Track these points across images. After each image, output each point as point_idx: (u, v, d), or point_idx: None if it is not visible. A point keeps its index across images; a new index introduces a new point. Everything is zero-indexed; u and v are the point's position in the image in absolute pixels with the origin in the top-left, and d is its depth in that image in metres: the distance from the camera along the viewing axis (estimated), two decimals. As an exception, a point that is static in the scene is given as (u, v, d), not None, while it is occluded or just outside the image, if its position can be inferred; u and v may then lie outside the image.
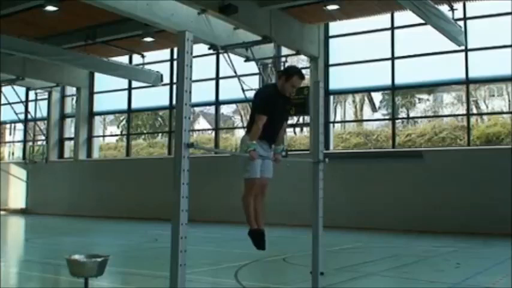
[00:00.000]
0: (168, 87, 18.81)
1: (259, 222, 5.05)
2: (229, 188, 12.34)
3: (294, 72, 5.09)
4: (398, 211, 14.12)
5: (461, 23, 13.60)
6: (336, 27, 16.15)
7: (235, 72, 15.65)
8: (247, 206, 4.98)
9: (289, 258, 8.68)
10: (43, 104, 21.86)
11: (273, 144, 5.10)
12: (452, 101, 18.95)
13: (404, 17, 14.49)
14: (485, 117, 17.63)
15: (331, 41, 16.28)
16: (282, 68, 16.14)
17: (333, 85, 16.23)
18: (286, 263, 8.39)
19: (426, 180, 13.95)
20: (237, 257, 8.67)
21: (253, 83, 16.27)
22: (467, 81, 14.48)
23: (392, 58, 15.28)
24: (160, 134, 23.77)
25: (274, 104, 4.95)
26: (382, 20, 15.17)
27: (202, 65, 16.80)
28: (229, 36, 14.72)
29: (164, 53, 18.89)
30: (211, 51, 15.64)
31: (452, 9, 13.22)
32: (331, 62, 16.23)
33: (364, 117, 21.19)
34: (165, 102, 19.15)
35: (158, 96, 19.06)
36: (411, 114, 19.41)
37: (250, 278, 7.17)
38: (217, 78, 17.97)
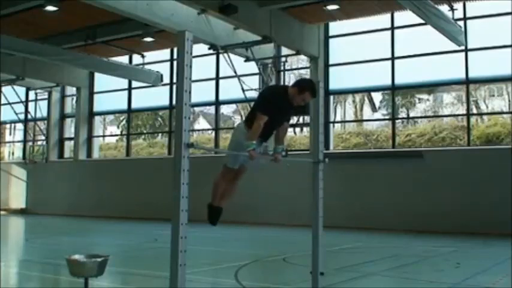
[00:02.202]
0: (168, 87, 18.82)
1: (222, 201, 5.28)
2: (229, 188, 12.33)
3: (308, 88, 4.94)
4: (398, 211, 14.12)
5: (461, 23, 13.61)
6: (336, 27, 16.16)
7: (235, 72, 15.65)
8: (217, 185, 5.25)
9: (289, 258, 8.68)
10: (43, 104, 21.88)
11: (263, 142, 5.09)
12: (452, 101, 18.92)
13: (404, 17, 14.50)
14: (485, 117, 17.61)
15: (331, 41, 16.29)
16: (282, 68, 16.25)
17: (333, 85, 16.23)
18: (286, 263, 8.39)
19: (426, 180, 13.95)
20: (237, 257, 8.66)
21: (253, 83, 16.30)
22: (467, 81, 14.48)
23: (392, 58, 15.29)
24: (160, 134, 23.75)
25: (278, 106, 4.91)
26: (382, 20, 15.17)
27: (202, 65, 16.79)
28: (229, 36, 14.72)
29: (164, 53, 18.89)
30: (211, 51, 15.64)
31: (452, 9, 13.23)
32: (331, 62, 16.24)
33: (364, 117, 21.15)
34: (165, 102, 19.16)
35: (158, 96, 19.06)
36: (411, 114, 19.38)
37: (250, 278, 7.17)
38: (217, 78, 17.97)
